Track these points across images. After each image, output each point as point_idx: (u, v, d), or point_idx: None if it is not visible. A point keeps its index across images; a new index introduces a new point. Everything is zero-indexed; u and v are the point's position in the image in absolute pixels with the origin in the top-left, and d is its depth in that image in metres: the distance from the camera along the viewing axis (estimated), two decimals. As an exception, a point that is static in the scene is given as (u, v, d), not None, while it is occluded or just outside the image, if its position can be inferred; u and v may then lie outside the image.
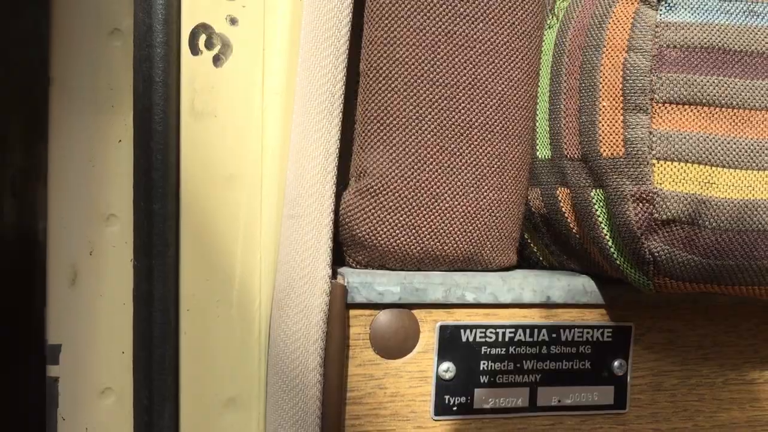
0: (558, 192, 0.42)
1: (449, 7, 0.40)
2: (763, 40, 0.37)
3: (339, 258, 0.42)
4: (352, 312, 0.40)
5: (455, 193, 0.41)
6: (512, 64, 0.41)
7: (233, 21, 0.40)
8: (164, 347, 0.40)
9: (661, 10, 0.37)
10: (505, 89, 0.41)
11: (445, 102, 0.40)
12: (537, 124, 0.44)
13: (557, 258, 0.47)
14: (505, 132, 0.41)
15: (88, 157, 0.40)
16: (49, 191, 0.41)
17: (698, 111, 0.36)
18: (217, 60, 0.40)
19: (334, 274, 0.40)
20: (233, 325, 0.41)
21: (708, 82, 0.36)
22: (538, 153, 0.44)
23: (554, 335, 0.43)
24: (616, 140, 0.37)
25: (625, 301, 0.44)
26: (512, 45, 0.41)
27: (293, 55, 0.40)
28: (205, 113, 0.40)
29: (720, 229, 0.36)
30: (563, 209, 0.42)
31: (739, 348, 0.46)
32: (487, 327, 0.42)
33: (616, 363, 0.44)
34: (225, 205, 0.40)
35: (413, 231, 0.40)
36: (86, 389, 0.41)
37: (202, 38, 0.40)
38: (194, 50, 0.40)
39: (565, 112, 0.41)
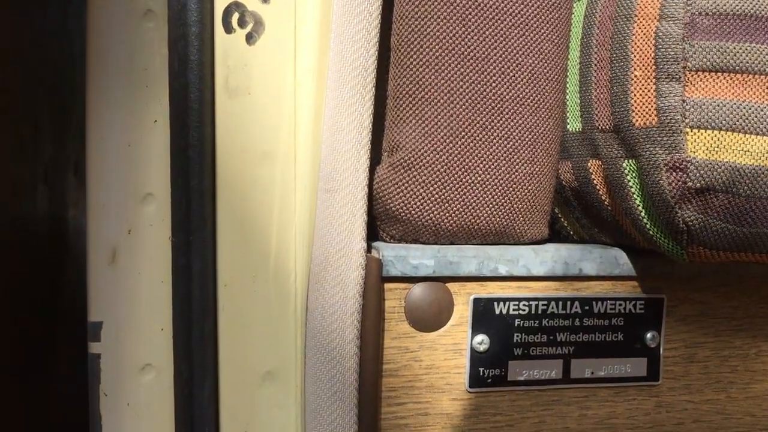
0: (589, 164, 0.43)
1: (479, -20, 0.40)
2: (796, 6, 0.37)
3: (373, 232, 0.43)
4: (387, 285, 0.40)
5: (487, 166, 0.41)
6: (542, 37, 0.41)
7: (265, -1, 0.41)
8: (203, 322, 0.40)
9: (692, -22, 0.37)
10: (536, 62, 0.41)
11: (476, 75, 0.40)
12: (568, 96, 0.44)
13: (588, 231, 0.47)
14: (536, 105, 0.41)
15: (125, 138, 0.41)
16: (87, 173, 0.41)
17: (731, 78, 0.36)
18: (250, 38, 0.40)
19: (369, 249, 0.41)
20: (270, 299, 0.41)
21: (741, 49, 0.36)
22: (568, 126, 0.44)
23: (587, 307, 0.43)
24: (649, 110, 0.37)
25: (658, 273, 0.44)
26: (542, 17, 0.41)
27: (325, 32, 0.41)
28: (239, 91, 0.40)
29: (755, 196, 0.36)
30: (595, 181, 0.43)
31: (772, 319, 0.46)
32: (520, 299, 0.42)
33: (648, 335, 0.44)
34: (260, 181, 0.41)
35: (446, 204, 0.41)
36: (127, 365, 0.42)
37: (235, 16, 0.40)
38: (227, 28, 0.40)
39: (596, 83, 0.41)
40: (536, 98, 0.41)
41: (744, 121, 0.36)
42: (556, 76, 0.42)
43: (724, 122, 0.36)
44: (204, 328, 0.41)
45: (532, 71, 0.41)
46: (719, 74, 0.36)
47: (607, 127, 0.40)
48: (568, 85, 0.44)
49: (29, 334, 0.56)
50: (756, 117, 0.36)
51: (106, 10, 0.40)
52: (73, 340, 0.45)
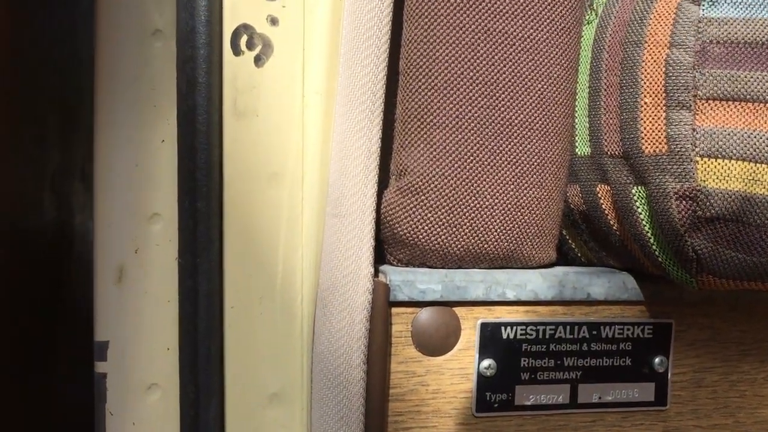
0: (598, 189, 0.42)
1: (488, 4, 0.40)
2: (808, 34, 0.37)
3: (380, 256, 0.43)
4: (395, 310, 0.40)
5: (495, 190, 0.41)
6: (551, 61, 0.41)
7: (274, 21, 0.41)
8: (209, 343, 0.40)
9: (703, 5, 0.37)
10: (545, 86, 0.41)
11: (485, 100, 0.40)
12: (576, 120, 0.44)
13: (596, 255, 0.47)
14: (544, 129, 0.41)
15: (132, 157, 0.41)
16: (95, 191, 0.41)
17: (742, 107, 0.36)
18: (258, 60, 0.40)
19: (376, 272, 0.41)
20: (276, 321, 0.41)
21: (752, 77, 0.36)
22: (577, 150, 0.44)
23: (594, 332, 0.43)
24: (659, 137, 0.37)
25: (666, 298, 0.44)
26: (551, 41, 0.41)
27: (333, 55, 0.41)
28: (247, 113, 0.40)
29: (765, 226, 0.36)
30: (603, 206, 0.42)
31: (780, 344, 0.46)
32: (527, 324, 0.42)
33: (656, 359, 0.44)
34: (267, 204, 0.41)
35: (454, 229, 0.41)
36: (133, 385, 0.42)
37: (244, 39, 0.40)
38: (236, 50, 0.40)
39: (605, 108, 0.41)
40: (545, 123, 0.41)
41: (755, 150, 0.36)
42: (565, 101, 0.42)
43: (734, 151, 0.36)
44: (210, 349, 0.41)
45: (541, 96, 0.41)
46: (730, 103, 0.36)
47: (617, 152, 0.40)
48: (577, 110, 0.43)
49: (30, 334, 0.56)
50: (766, 146, 0.36)
51: (114, 28, 0.41)
52: (74, 341, 0.45)
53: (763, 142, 0.36)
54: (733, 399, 0.46)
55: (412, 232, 0.41)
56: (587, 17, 0.44)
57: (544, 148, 0.41)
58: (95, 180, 0.42)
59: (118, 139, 0.41)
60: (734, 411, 0.46)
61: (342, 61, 0.39)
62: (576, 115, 0.44)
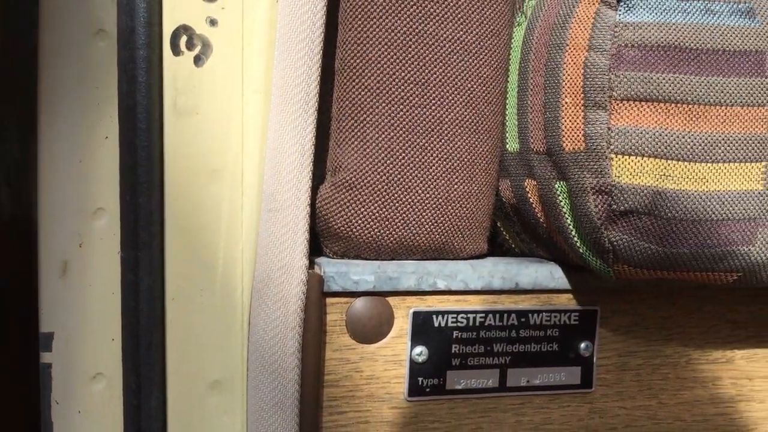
0: (526, 183, 0.44)
1: (419, 7, 0.41)
2: (718, 37, 0.39)
3: (317, 249, 0.44)
4: (329, 300, 0.42)
5: (426, 185, 0.43)
6: (481, 62, 0.43)
7: (213, 22, 0.42)
8: (151, 335, 0.42)
9: (620, 10, 0.39)
10: (474, 86, 0.43)
11: (416, 99, 0.42)
12: (507, 118, 0.46)
13: (527, 245, 0.49)
14: (474, 127, 0.43)
15: (77, 153, 0.42)
16: (39, 186, 0.42)
17: (654, 107, 0.38)
18: (198, 60, 0.42)
19: (312, 264, 0.42)
20: (217, 312, 0.43)
21: (664, 79, 0.38)
22: (508, 146, 0.46)
23: (523, 319, 0.45)
24: (578, 135, 0.39)
25: (591, 286, 0.46)
26: (481, 43, 0.43)
27: (272, 55, 0.42)
28: (187, 111, 0.42)
29: (675, 219, 0.38)
30: (531, 200, 0.44)
31: (701, 329, 0.49)
32: (458, 312, 0.44)
33: (582, 345, 0.46)
34: (208, 199, 0.42)
35: (386, 222, 0.42)
36: (78, 375, 0.43)
37: (183, 39, 0.41)
38: (176, 51, 0.41)
39: (531, 107, 0.43)
40: (475, 120, 0.43)
41: (665, 148, 0.38)
42: (494, 99, 0.44)
43: (646, 149, 0.38)
44: (152, 341, 0.42)
45: (471, 95, 0.43)
46: (643, 103, 0.38)
47: (541, 149, 0.42)
48: (507, 107, 0.45)
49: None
50: (676, 144, 0.38)
51: (58, 27, 0.41)
52: (20, 333, 0.46)
53: (674, 140, 0.38)
54: (657, 381, 0.48)
55: (346, 226, 0.42)
56: (518, 20, 0.46)
57: (473, 145, 0.43)
58: (39, 175, 0.43)
59: (62, 136, 0.42)
60: (657, 393, 0.48)
61: (276, 61, 0.41)
62: (507, 113, 0.46)
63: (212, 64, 0.42)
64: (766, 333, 0.50)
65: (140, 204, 0.41)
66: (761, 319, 0.50)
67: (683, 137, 0.38)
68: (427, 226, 0.43)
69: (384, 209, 0.42)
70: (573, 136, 0.39)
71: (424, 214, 0.43)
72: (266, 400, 0.40)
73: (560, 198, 0.41)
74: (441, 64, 0.42)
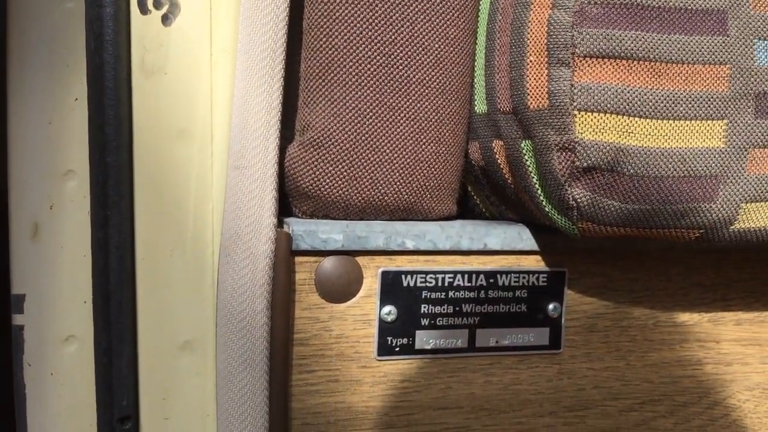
0: (494, 144, 0.45)
1: (387, -33, 0.42)
2: (681, -3, 0.39)
3: (286, 209, 0.45)
4: (298, 259, 0.42)
5: (394, 145, 0.43)
6: (448, 22, 0.43)
7: (181, -19, 0.42)
8: (121, 294, 0.42)
9: (584, -31, 0.39)
10: (442, 46, 0.43)
11: (383, 59, 0.42)
12: (475, 80, 0.46)
13: (497, 208, 0.49)
14: (442, 87, 0.44)
15: (46, 116, 0.42)
16: (9, 149, 0.42)
17: (617, 64, 0.38)
18: (165, 19, 0.42)
19: (281, 224, 0.43)
20: (187, 271, 0.43)
21: (626, 36, 0.38)
22: (476, 108, 0.46)
23: (491, 280, 0.45)
24: (542, 93, 0.39)
25: (560, 248, 0.46)
26: (448, 4, 0.43)
27: (239, 14, 0.42)
28: (155, 70, 0.42)
29: (638, 175, 0.39)
30: (498, 161, 0.45)
31: (668, 292, 0.49)
32: (427, 272, 0.44)
33: (550, 306, 0.47)
34: (177, 158, 0.42)
35: (355, 182, 0.43)
36: (50, 337, 0.43)
37: (151, -2, 0.41)
38: (143, 9, 0.41)
39: (498, 67, 0.43)
40: (442, 81, 0.43)
41: (627, 105, 0.38)
42: (462, 60, 0.44)
43: (609, 105, 0.38)
44: (122, 300, 0.42)
45: (438, 55, 0.43)
46: (605, 60, 0.38)
47: (507, 109, 0.42)
48: (475, 69, 0.46)
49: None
50: (639, 101, 0.39)
51: (26, -12, 0.41)
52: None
53: (635, 96, 0.39)
54: (624, 343, 0.49)
55: (314, 185, 0.43)
56: (486, -19, 0.46)
57: (441, 105, 0.44)
58: (9, 138, 0.43)
59: (31, 98, 0.42)
60: (625, 354, 0.49)
61: (241, 20, 0.41)
62: (475, 74, 0.46)
63: (180, 23, 0.42)
64: (732, 296, 0.51)
65: (109, 163, 0.41)
66: (728, 283, 0.50)
67: (645, 94, 0.39)
68: (395, 186, 0.43)
69: (352, 169, 0.42)
70: (537, 93, 0.40)
71: (392, 174, 0.43)
72: (235, 358, 0.41)
73: (526, 157, 0.42)
74: (408, 23, 0.42)
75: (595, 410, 0.48)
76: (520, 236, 0.46)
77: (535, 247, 0.46)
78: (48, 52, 0.42)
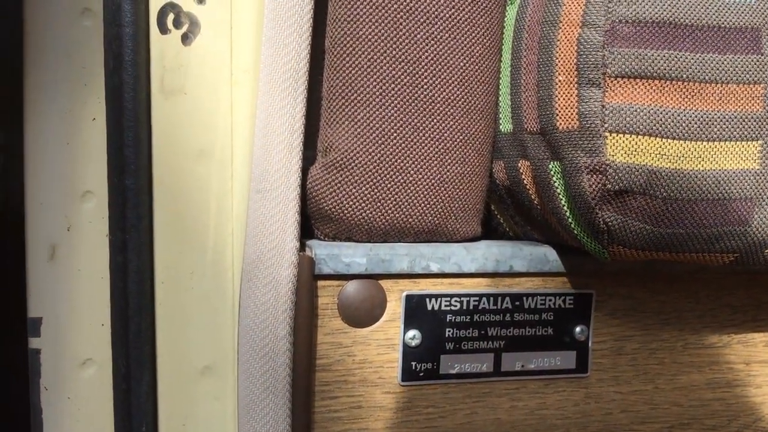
0: (520, 164, 0.44)
1: (411, -16, 0.41)
2: (714, 14, 0.38)
3: (308, 231, 0.44)
4: (320, 283, 0.41)
5: (418, 166, 0.42)
6: (473, 40, 0.42)
7: (201, 0, 0.41)
8: (140, 318, 0.41)
9: (614, -14, 0.38)
10: (467, 65, 0.42)
11: (408, 78, 0.41)
12: (500, 98, 0.45)
13: (521, 228, 0.48)
14: (467, 107, 0.43)
15: (64, 136, 0.42)
16: (26, 169, 0.42)
17: (649, 84, 0.37)
18: (185, 38, 0.41)
19: (303, 247, 0.42)
20: (207, 295, 0.42)
21: (658, 56, 0.37)
22: (501, 127, 0.45)
23: (517, 303, 0.44)
24: (571, 114, 0.38)
25: (587, 269, 0.45)
26: (473, 21, 0.42)
27: (261, 33, 0.41)
28: (174, 91, 0.41)
29: (671, 198, 0.38)
30: (525, 181, 0.44)
31: (698, 313, 0.48)
32: (451, 296, 0.43)
33: (577, 329, 0.46)
34: (197, 180, 0.42)
35: (378, 204, 0.42)
36: (67, 360, 0.42)
37: (171, 17, 0.41)
38: (163, 29, 0.41)
39: (524, 86, 0.42)
40: (467, 100, 0.42)
41: (660, 126, 0.37)
42: (487, 79, 0.43)
43: (641, 127, 0.37)
44: (141, 324, 0.41)
45: (463, 74, 0.42)
46: (637, 80, 0.37)
47: (535, 129, 0.41)
48: (501, 87, 0.45)
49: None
50: (672, 122, 0.37)
51: (43, 6, 0.41)
52: (15, 334, 0.46)
53: (669, 117, 0.37)
54: (653, 366, 0.48)
55: (337, 208, 0.42)
56: (511, -3, 0.45)
57: (466, 125, 0.43)
58: (26, 158, 0.42)
59: (48, 118, 0.41)
60: (653, 377, 0.48)
61: (264, 39, 0.40)
62: (500, 93, 0.45)
63: (200, 42, 0.41)
64: (763, 317, 0.49)
65: (127, 185, 0.40)
66: (759, 304, 0.49)
67: (678, 115, 0.38)
68: (419, 207, 0.42)
69: (376, 190, 0.41)
70: (566, 114, 0.39)
71: (416, 195, 0.42)
72: (257, 384, 0.40)
73: (554, 178, 0.41)
74: (433, 42, 0.41)
75: (623, 435, 0.47)
76: (547, 258, 0.45)
77: (561, 268, 0.45)
78: (65, 72, 0.41)
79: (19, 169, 0.43)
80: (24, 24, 0.41)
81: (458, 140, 0.43)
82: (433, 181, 0.42)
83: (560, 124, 0.39)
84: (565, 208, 0.41)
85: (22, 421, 0.45)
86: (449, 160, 0.42)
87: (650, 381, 0.48)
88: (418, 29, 0.41)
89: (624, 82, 0.37)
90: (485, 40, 0.43)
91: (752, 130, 0.39)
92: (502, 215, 0.49)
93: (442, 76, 0.42)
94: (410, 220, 0.42)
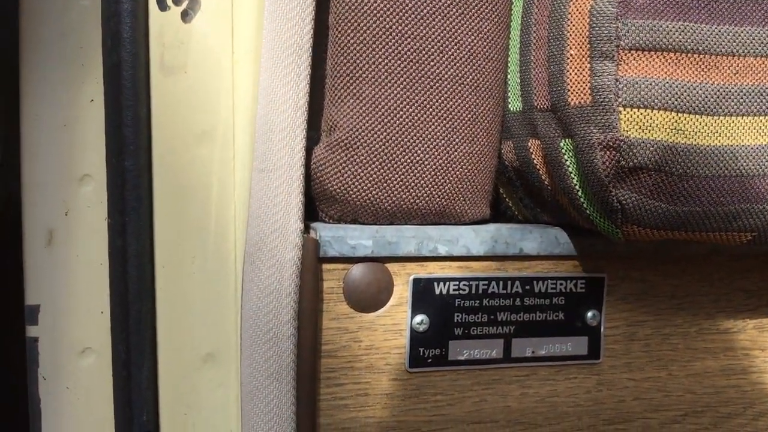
0: (529, 144, 0.43)
1: (417, -42, 0.40)
2: (730, -14, 0.37)
3: (312, 213, 0.43)
4: (326, 266, 0.40)
5: (426, 145, 0.41)
6: (481, 16, 0.41)
7: (201, -24, 0.40)
8: (140, 304, 0.40)
9: (627, -43, 0.37)
10: (475, 41, 0.41)
11: (414, 54, 0.40)
12: (509, 76, 0.44)
13: (531, 211, 0.47)
14: (475, 84, 0.41)
15: (61, 118, 0.41)
16: (23, 153, 0.41)
17: (664, 57, 0.36)
18: (185, 15, 0.40)
19: (307, 229, 0.41)
20: (209, 280, 0.41)
21: (673, 27, 0.36)
22: (510, 105, 0.44)
23: (528, 287, 0.43)
24: (584, 89, 0.37)
25: (598, 252, 0.44)
26: (481, -4, 0.41)
27: (263, 10, 0.40)
28: (174, 69, 0.40)
29: (687, 175, 0.37)
30: (535, 161, 0.43)
31: (712, 297, 0.47)
32: (460, 279, 0.42)
33: (589, 314, 0.44)
34: (198, 161, 0.40)
35: (385, 184, 0.41)
36: (66, 349, 0.41)
37: (170, -7, 0.40)
38: (162, 5, 0.39)
39: (534, 62, 0.41)
40: (475, 77, 0.41)
41: (676, 100, 0.36)
42: (496, 56, 0.42)
43: (656, 101, 0.36)
44: (141, 310, 0.40)
45: (471, 50, 0.41)
46: (652, 53, 0.36)
47: (545, 106, 0.40)
48: (509, 65, 0.44)
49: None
50: (688, 96, 0.36)
51: (39, -14, 0.40)
52: (12, 322, 0.45)
53: (685, 91, 0.36)
54: (666, 352, 0.47)
55: (342, 188, 0.41)
56: (519, -27, 0.44)
57: (474, 103, 0.42)
58: (22, 141, 0.41)
59: (45, 99, 0.40)
60: (667, 364, 0.47)
61: (266, 15, 0.39)
62: (509, 70, 0.44)
63: (201, 19, 0.40)
64: (779, 301, 0.48)
65: (127, 167, 0.39)
66: (774, 288, 0.48)
67: (694, 89, 0.36)
68: (427, 188, 0.41)
69: (382, 170, 0.40)
70: (579, 89, 0.38)
71: (423, 175, 0.41)
72: (261, 370, 0.39)
73: (566, 156, 0.40)
74: (440, 17, 0.40)
75: (636, 423, 0.46)
76: (558, 240, 0.43)
77: (572, 251, 0.44)
78: (62, 51, 0.40)
79: (15, 153, 0.41)
80: (19, 2, 0.40)
81: (466, 119, 0.41)
82: (440, 160, 0.41)
83: (572, 99, 0.38)
84: (577, 187, 0.40)
85: (21, 411, 0.44)
86: (457, 140, 0.41)
87: (663, 367, 0.47)
88: (425, 4, 0.40)
89: (638, 55, 0.36)
90: (493, 16, 0.42)
91: (770, 105, 0.37)
92: (510, 198, 0.48)
93: (450, 53, 0.40)
94: (417, 201, 0.41)
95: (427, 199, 0.41)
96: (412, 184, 0.41)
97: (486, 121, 0.42)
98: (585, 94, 0.37)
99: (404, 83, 0.40)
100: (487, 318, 0.43)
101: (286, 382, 0.39)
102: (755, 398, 0.49)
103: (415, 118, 0.40)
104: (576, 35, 0.37)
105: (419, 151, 0.41)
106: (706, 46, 0.36)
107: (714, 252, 0.46)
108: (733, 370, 0.48)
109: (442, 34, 0.40)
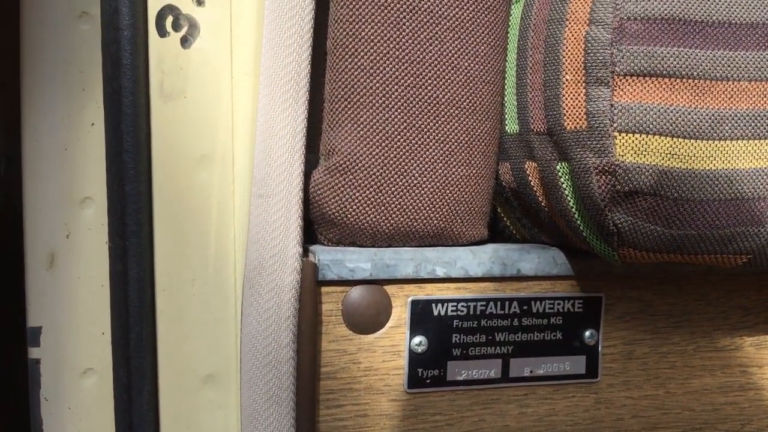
0: (526, 166, 0.43)
1: (413, -17, 0.40)
2: (723, 10, 0.37)
3: (311, 237, 0.43)
4: (324, 289, 0.40)
5: (423, 169, 0.41)
6: (478, 39, 0.41)
7: (200, 2, 0.40)
8: (141, 327, 0.40)
9: (622, -18, 0.37)
10: (472, 65, 0.41)
11: (411, 79, 0.40)
12: (505, 98, 0.44)
13: (528, 231, 0.47)
14: (472, 107, 0.42)
15: (62, 141, 0.41)
16: (24, 176, 0.41)
17: (659, 83, 0.36)
18: (184, 41, 0.40)
19: (306, 252, 0.41)
20: (209, 303, 0.41)
21: (668, 53, 0.36)
22: (507, 128, 0.44)
23: (525, 307, 0.43)
24: (579, 113, 0.38)
25: (596, 272, 0.44)
26: (478, 20, 0.41)
27: (261, 35, 0.41)
28: (174, 94, 0.40)
29: (683, 199, 0.37)
30: (532, 183, 0.43)
31: (709, 316, 0.47)
32: (458, 301, 0.42)
33: (587, 333, 0.45)
34: (197, 186, 0.41)
35: (383, 207, 0.41)
36: (68, 370, 0.42)
37: (169, 20, 0.40)
38: (161, 32, 0.40)
39: (531, 86, 0.41)
40: (472, 101, 0.42)
41: (671, 125, 0.37)
42: (492, 79, 0.43)
43: (651, 126, 0.36)
44: (142, 333, 0.40)
45: (468, 74, 0.41)
46: (647, 78, 0.36)
47: (542, 129, 0.41)
48: (506, 88, 0.44)
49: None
50: (683, 121, 0.37)
51: (40, 11, 0.40)
52: (7, 328, 0.45)
53: (680, 116, 0.37)
54: (664, 370, 0.47)
55: (340, 212, 0.41)
56: (516, -4, 0.44)
57: (471, 126, 0.42)
58: (24, 165, 0.41)
59: (46, 123, 0.41)
60: (665, 382, 0.47)
61: (264, 41, 0.39)
62: (506, 93, 0.44)
63: (200, 45, 0.40)
64: (776, 319, 0.49)
65: (127, 192, 0.40)
66: (771, 305, 0.48)
67: (689, 114, 0.37)
68: (424, 210, 0.41)
69: (380, 194, 0.41)
70: (574, 114, 0.38)
71: (421, 198, 0.41)
72: (261, 393, 0.39)
73: (562, 180, 0.40)
74: (436, 41, 0.40)
75: (635, 441, 0.46)
76: (555, 261, 0.44)
77: (570, 272, 0.44)
78: (63, 76, 0.41)
79: (17, 176, 0.42)
80: (21, 27, 0.40)
81: (463, 142, 0.42)
82: (438, 183, 0.41)
83: (568, 124, 0.38)
84: (573, 210, 0.40)
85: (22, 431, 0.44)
86: (454, 162, 0.42)
87: (661, 385, 0.47)
88: (422, 29, 0.40)
89: (633, 81, 0.36)
90: (490, 40, 0.42)
91: (765, 128, 0.38)
92: (508, 218, 0.49)
93: (447, 77, 0.41)
94: (415, 223, 0.42)
95: (424, 221, 0.42)
96: (410, 206, 0.41)
97: (483, 144, 0.43)
98: (580, 119, 0.38)
99: (402, 107, 0.40)
100: (485, 338, 0.43)
101: (286, 404, 0.39)
102: (753, 415, 0.49)
103: (413, 141, 0.41)
104: (571, 61, 0.38)
105: (417, 175, 0.41)
106: (701, 71, 0.37)
107: (711, 271, 0.46)
108: (731, 387, 0.48)
109: (438, 59, 0.40)
